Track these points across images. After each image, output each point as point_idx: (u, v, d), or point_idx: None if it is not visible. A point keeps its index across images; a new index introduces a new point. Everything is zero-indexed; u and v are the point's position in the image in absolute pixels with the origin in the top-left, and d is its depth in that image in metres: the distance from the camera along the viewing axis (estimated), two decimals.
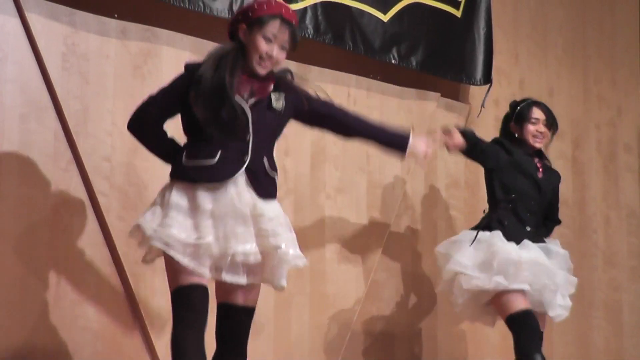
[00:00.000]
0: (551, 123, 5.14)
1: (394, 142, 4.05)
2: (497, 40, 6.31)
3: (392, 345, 5.68)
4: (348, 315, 5.45)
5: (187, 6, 4.70)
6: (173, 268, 3.58)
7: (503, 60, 6.57)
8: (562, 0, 7.14)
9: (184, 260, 3.51)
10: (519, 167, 4.95)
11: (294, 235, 3.78)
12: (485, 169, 5.06)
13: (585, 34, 7.31)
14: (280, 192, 3.96)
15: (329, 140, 5.44)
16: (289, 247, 3.66)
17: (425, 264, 5.87)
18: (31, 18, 4.34)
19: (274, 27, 3.60)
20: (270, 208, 3.67)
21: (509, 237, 4.81)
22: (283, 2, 3.73)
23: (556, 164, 6.82)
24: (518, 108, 5.10)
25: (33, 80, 4.36)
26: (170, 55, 4.80)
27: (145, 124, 3.77)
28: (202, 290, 3.56)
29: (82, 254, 4.42)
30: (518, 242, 4.83)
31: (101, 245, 4.49)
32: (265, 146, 3.71)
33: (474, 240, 4.80)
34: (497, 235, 4.81)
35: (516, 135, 5.07)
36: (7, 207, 4.22)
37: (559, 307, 4.85)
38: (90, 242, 4.46)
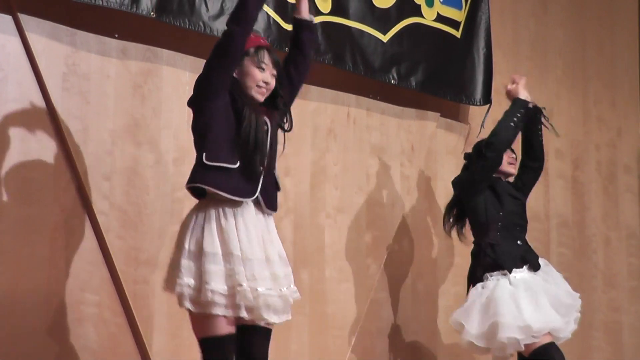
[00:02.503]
0: (513, 149, 5.15)
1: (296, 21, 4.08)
2: (497, 61, 6.33)
3: None
4: (348, 335, 5.44)
5: (187, 26, 4.72)
6: (207, 315, 3.63)
7: (503, 80, 6.57)
8: (562, 21, 7.17)
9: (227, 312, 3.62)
10: (496, 191, 4.96)
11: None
12: (465, 202, 5.06)
13: (585, 56, 7.33)
14: (280, 211, 3.98)
15: (329, 160, 5.46)
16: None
17: (424, 284, 5.87)
18: (32, 38, 4.35)
19: (263, 57, 3.82)
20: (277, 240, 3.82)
21: (505, 264, 4.82)
22: (259, 36, 4.03)
23: (556, 184, 6.86)
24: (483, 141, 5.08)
25: (34, 100, 4.37)
26: (171, 75, 4.82)
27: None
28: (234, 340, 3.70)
29: (81, 273, 4.42)
30: (516, 266, 4.83)
31: (101, 264, 4.49)
32: (274, 161, 3.85)
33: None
34: (501, 288, 4.81)
35: None
36: (7, 226, 4.22)
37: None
38: (89, 261, 4.46)
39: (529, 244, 5.01)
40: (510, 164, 5.10)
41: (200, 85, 3.75)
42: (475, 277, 4.90)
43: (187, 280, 3.61)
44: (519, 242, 4.93)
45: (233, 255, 3.61)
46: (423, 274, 5.89)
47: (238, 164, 3.68)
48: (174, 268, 3.69)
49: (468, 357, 5.81)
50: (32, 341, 4.25)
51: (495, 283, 4.81)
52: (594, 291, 7.04)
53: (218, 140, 3.70)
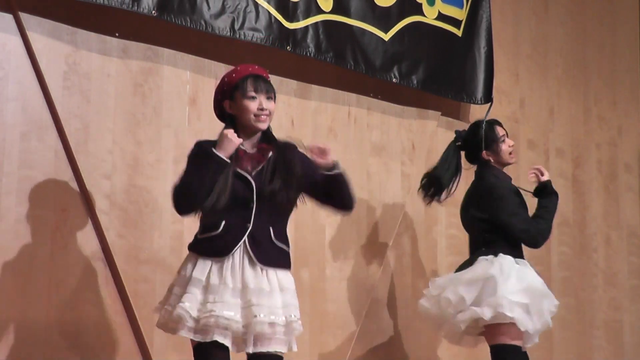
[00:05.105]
0: (507, 132, 5.07)
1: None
2: (498, 60, 6.33)
3: None
4: (348, 333, 5.44)
5: (188, 25, 4.71)
6: None
7: (503, 79, 6.59)
8: (562, 20, 7.17)
9: (189, 335, 3.69)
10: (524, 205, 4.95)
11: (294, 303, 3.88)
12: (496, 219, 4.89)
13: (585, 54, 7.33)
14: None
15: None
16: (268, 316, 3.72)
17: (425, 283, 5.86)
18: (33, 37, 4.35)
19: (250, 85, 3.78)
20: (272, 278, 3.77)
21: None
22: (248, 64, 3.91)
23: (556, 183, 6.83)
24: (482, 134, 4.97)
25: (34, 98, 4.37)
26: (171, 74, 4.82)
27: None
28: (220, 347, 3.67)
29: (82, 272, 4.42)
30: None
31: (101, 263, 4.49)
32: (272, 215, 3.79)
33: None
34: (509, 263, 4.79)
35: (491, 161, 4.98)
36: (8, 225, 4.22)
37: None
38: (90, 260, 4.46)
39: None
40: (510, 153, 4.99)
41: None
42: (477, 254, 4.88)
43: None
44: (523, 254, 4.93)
45: (204, 282, 3.70)
46: (423, 273, 5.88)
47: (222, 227, 3.72)
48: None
49: (469, 356, 5.81)
50: (33, 340, 4.25)
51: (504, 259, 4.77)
52: (595, 290, 7.04)
53: (207, 213, 3.76)
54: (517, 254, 4.84)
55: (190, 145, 4.78)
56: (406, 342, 5.75)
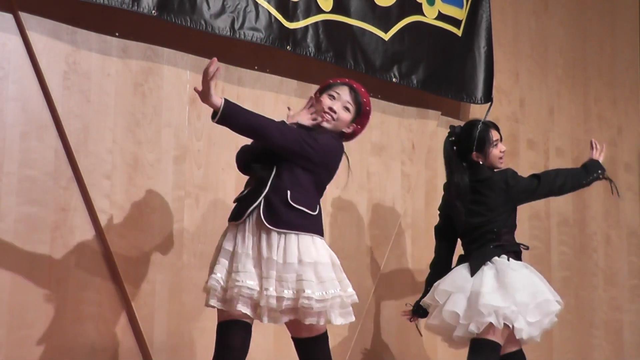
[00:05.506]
0: (501, 137, 5.04)
1: None
2: (498, 60, 6.32)
3: None
4: (348, 333, 5.44)
5: (188, 25, 4.71)
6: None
7: (503, 79, 6.58)
8: (562, 20, 7.17)
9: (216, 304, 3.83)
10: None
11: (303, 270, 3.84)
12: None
13: (585, 54, 7.33)
14: None
15: None
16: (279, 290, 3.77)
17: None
18: (32, 37, 4.35)
19: (338, 88, 4.10)
20: (290, 247, 3.80)
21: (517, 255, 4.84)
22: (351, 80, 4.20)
23: None
24: (475, 135, 4.90)
25: (34, 98, 4.37)
26: (171, 74, 4.82)
27: None
28: (241, 326, 3.78)
29: (82, 272, 4.42)
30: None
31: (101, 263, 4.49)
32: (293, 178, 3.86)
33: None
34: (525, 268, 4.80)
35: (480, 163, 4.92)
36: (8, 225, 4.21)
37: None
38: (90, 260, 4.46)
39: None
40: (500, 158, 4.97)
41: None
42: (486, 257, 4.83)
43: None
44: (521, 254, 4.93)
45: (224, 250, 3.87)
46: (424, 273, 5.87)
47: (247, 191, 3.91)
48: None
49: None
50: (33, 340, 4.25)
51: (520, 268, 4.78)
52: (595, 290, 7.04)
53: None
54: (518, 248, 4.86)
55: (189, 145, 4.82)
56: (406, 342, 5.75)
